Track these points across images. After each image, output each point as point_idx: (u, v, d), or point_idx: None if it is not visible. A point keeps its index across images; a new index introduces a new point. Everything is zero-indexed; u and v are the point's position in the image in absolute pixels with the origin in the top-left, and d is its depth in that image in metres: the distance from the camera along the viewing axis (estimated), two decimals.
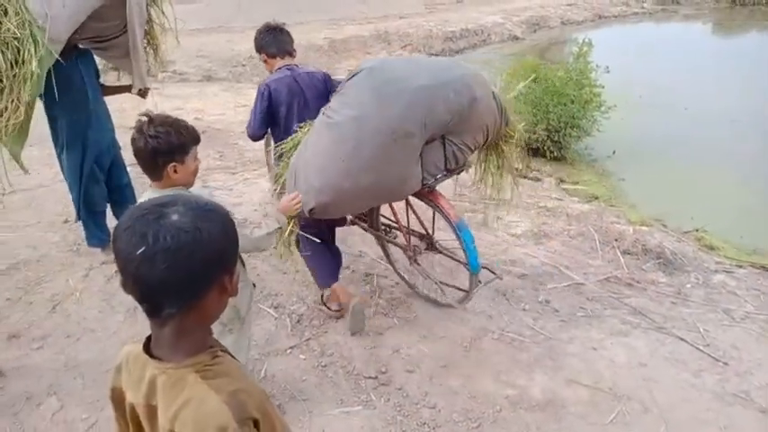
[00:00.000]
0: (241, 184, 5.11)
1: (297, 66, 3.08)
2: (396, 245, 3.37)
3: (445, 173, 2.82)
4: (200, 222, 0.93)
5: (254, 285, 2.38)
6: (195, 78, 10.83)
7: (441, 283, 3.24)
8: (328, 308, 3.12)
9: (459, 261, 3.11)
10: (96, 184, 3.52)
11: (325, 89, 3.02)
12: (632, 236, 4.28)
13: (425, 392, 2.60)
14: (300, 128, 2.82)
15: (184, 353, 0.98)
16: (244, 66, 12.57)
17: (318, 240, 2.76)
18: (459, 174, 2.98)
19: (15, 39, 2.59)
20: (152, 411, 0.99)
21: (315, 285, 3.37)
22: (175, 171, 1.87)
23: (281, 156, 2.87)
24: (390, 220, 3.42)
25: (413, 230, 3.27)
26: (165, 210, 0.93)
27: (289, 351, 2.86)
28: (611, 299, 3.47)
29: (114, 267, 3.26)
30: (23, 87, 2.65)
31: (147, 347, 1.01)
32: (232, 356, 1.08)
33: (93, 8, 2.98)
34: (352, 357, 2.81)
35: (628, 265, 3.87)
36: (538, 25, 21.67)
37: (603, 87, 7.16)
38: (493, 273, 3.14)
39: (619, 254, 3.98)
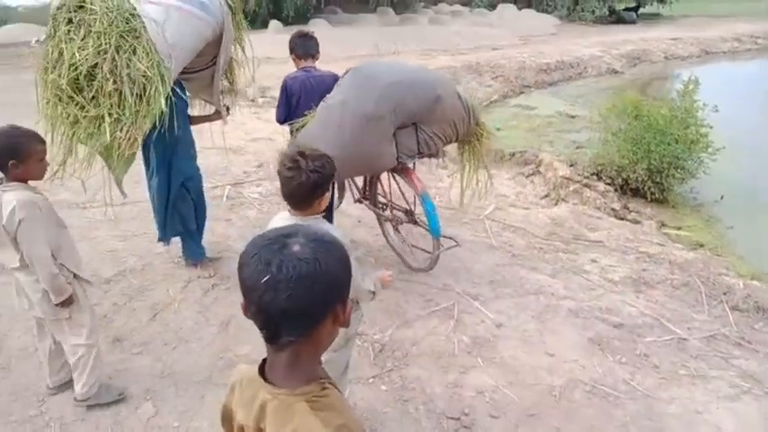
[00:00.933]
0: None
1: (314, 68, 3.78)
2: (386, 218, 4.22)
3: (418, 155, 3.56)
4: (320, 254, 0.97)
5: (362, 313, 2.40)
6: None
7: (412, 246, 4.04)
8: None
9: (426, 229, 3.79)
10: (185, 202, 3.73)
11: (332, 86, 3.58)
12: (743, 290, 3.91)
13: None
14: (309, 112, 3.53)
15: (297, 381, 1.00)
16: None
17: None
18: (430, 158, 3.87)
19: (144, 77, 2.85)
20: None
21: (396, 314, 3.39)
22: (322, 201, 1.96)
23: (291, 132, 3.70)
24: (384, 198, 4.25)
25: (399, 206, 4.11)
26: (287, 240, 0.98)
27: (371, 380, 2.85)
28: (718, 358, 3.17)
29: (211, 281, 3.44)
30: (144, 122, 2.89)
31: (262, 370, 1.04)
32: (339, 389, 1.08)
33: (201, 47, 3.23)
34: (434, 395, 2.75)
35: (737, 323, 3.53)
36: (638, 59, 20.83)
37: (711, 128, 6.71)
38: (453, 240, 3.86)
39: (727, 309, 3.65)
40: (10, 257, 2.39)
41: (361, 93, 3.26)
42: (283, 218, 1.99)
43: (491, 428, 2.55)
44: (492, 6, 29.99)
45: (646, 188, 6.84)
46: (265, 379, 1.03)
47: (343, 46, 17.99)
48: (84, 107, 2.83)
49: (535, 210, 5.43)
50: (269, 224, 1.95)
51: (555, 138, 10.55)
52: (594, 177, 7.09)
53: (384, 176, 4.14)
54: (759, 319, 3.64)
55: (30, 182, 2.39)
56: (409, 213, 4.04)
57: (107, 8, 2.91)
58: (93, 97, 2.83)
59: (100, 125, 2.85)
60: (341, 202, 4.78)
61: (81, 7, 2.91)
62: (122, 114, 2.84)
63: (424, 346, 3.14)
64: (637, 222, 5.96)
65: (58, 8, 2.93)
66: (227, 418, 1.12)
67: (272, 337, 0.99)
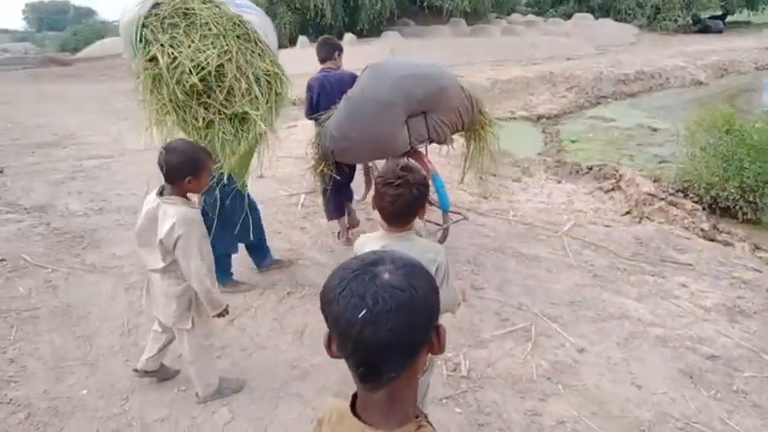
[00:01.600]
0: None
1: (333, 68, 4.33)
2: None
3: (428, 140, 4.02)
4: (413, 280, 0.91)
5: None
6: None
7: (426, 221, 4.10)
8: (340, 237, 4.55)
9: (435, 205, 4.15)
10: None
11: (351, 83, 4.07)
12: None
13: None
14: (333, 107, 4.06)
15: (396, 421, 0.94)
16: None
17: (338, 177, 4.20)
18: (440, 144, 4.22)
19: (267, 74, 3.11)
20: None
21: (470, 332, 3.30)
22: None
23: (317, 121, 4.25)
24: None
25: None
26: (376, 269, 0.92)
27: (444, 401, 2.77)
28: None
29: (286, 289, 3.47)
30: (276, 117, 3.18)
31: (353, 406, 0.99)
32: (432, 426, 1.03)
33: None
34: (511, 421, 2.63)
35: None
36: (726, 70, 19.60)
37: None
38: (460, 214, 4.39)
39: None
40: (154, 260, 2.48)
41: (376, 83, 3.80)
42: (378, 237, 1.91)
43: None
44: (567, 16, 29.24)
45: (737, 207, 6.37)
46: (358, 417, 0.97)
47: (417, 57, 18.09)
48: (209, 108, 3.00)
49: (617, 227, 5.16)
50: (360, 246, 1.91)
51: (635, 152, 10.08)
52: (680, 195, 6.68)
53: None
54: None
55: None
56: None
57: (215, 14, 3.10)
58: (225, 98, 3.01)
59: (240, 123, 3.04)
60: (369, 189, 5.07)
61: (185, 14, 3.06)
62: (260, 110, 3.04)
63: (499, 368, 3.02)
64: (728, 244, 5.53)
65: (151, 15, 3.05)
66: None
67: (370, 374, 0.93)
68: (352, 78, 4.16)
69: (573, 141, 11.03)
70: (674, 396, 2.82)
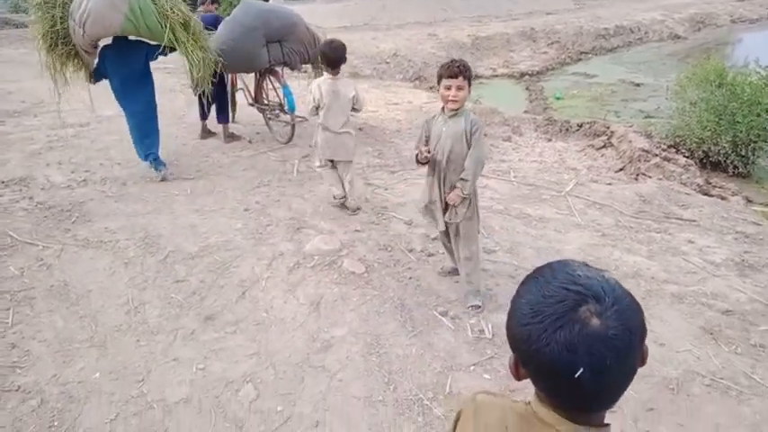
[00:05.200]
0: (401, 182, 5.09)
1: (211, 11, 6.21)
2: (269, 115, 6.23)
3: (283, 63, 5.67)
4: (627, 321, 0.81)
5: None
6: (343, 76, 11.15)
7: (275, 122, 6.18)
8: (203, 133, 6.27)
9: (285, 111, 5.74)
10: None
11: (214, 23, 5.67)
12: None
13: None
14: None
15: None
16: (387, 63, 12.73)
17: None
18: (292, 69, 5.99)
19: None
20: None
21: (488, 297, 3.27)
22: None
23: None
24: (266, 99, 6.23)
25: (274, 102, 6.11)
26: (582, 313, 0.80)
27: (472, 368, 2.73)
28: None
29: (294, 259, 3.35)
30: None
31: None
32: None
33: None
34: None
35: None
36: (702, 23, 19.60)
37: None
38: (305, 117, 5.34)
39: None
40: (337, 122, 4.09)
41: (244, 13, 5.38)
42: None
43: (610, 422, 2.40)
44: None
45: (728, 162, 6.45)
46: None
47: (393, 14, 17.56)
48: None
49: (618, 185, 5.15)
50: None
51: (620, 107, 10.08)
52: (673, 150, 6.70)
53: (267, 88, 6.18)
54: None
55: None
56: (280, 105, 5.93)
57: None
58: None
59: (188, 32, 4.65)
60: (232, 94, 6.37)
61: None
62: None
63: None
64: (723, 198, 5.59)
65: None
66: None
67: (577, 411, 0.86)
68: (217, 19, 5.79)
69: (558, 98, 10.97)
70: (698, 353, 2.83)
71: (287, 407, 2.50)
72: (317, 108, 4.07)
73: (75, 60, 4.85)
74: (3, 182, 5.17)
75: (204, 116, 6.18)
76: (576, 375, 0.78)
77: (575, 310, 0.79)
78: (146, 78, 4.93)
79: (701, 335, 2.98)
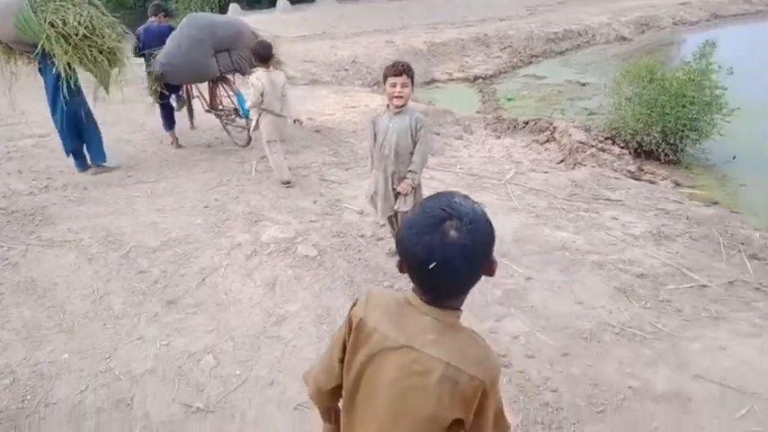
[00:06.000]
0: (355, 178, 5.39)
1: (155, 22, 6.19)
2: (225, 120, 6.49)
3: (233, 70, 5.96)
4: (475, 234, 1.09)
5: None
6: (302, 82, 11.41)
7: (232, 127, 6.49)
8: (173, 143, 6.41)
9: (241, 116, 6.06)
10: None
11: (167, 34, 5.89)
12: (760, 241, 4.07)
13: (547, 377, 2.68)
14: (158, 48, 5.86)
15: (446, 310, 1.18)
16: (347, 70, 13.06)
17: (168, 94, 6.10)
18: (243, 75, 6.00)
19: (110, 24, 5.15)
20: None
21: None
22: None
23: (146, 58, 6.04)
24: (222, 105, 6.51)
25: (229, 108, 6.37)
26: (444, 227, 1.09)
27: None
28: (738, 302, 3.33)
29: (251, 248, 3.62)
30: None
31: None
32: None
33: None
34: None
35: (755, 270, 3.69)
36: (647, 26, 20.58)
37: (726, 89, 6.77)
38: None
39: (745, 258, 3.80)
40: (280, 107, 4.88)
41: (190, 26, 5.61)
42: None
43: (528, 367, 2.75)
44: None
45: (660, 150, 6.96)
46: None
47: (351, 23, 17.95)
48: (92, 48, 4.92)
49: (555, 173, 5.57)
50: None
51: (566, 105, 10.61)
52: (609, 142, 7.19)
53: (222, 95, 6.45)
54: None
55: None
56: (236, 110, 6.21)
57: None
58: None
59: (111, 55, 5.08)
60: (188, 103, 6.73)
61: None
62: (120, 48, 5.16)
63: None
64: (653, 183, 6.08)
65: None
66: (354, 325, 1.25)
67: (432, 297, 1.16)
68: (170, 29, 5.91)
69: (509, 99, 11.46)
70: (611, 309, 3.22)
71: (244, 371, 2.77)
72: (262, 95, 4.75)
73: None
74: None
75: (170, 126, 6.39)
76: (430, 267, 1.08)
77: (440, 224, 1.09)
78: (55, 92, 5.18)
79: (615, 294, 3.37)
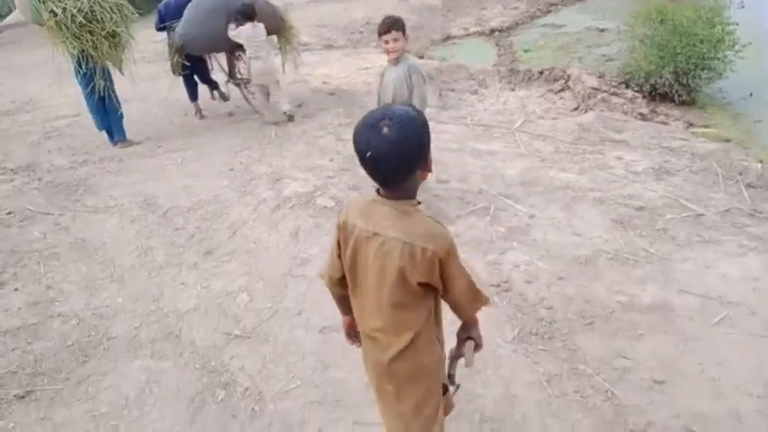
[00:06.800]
0: None
1: None
2: (243, 88, 6.77)
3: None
4: (405, 132, 1.37)
5: None
6: (317, 47, 11.58)
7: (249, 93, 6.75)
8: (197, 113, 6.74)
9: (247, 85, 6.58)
10: None
11: (186, 5, 6.01)
12: (758, 170, 4.21)
13: (543, 297, 2.97)
14: (177, 20, 6.03)
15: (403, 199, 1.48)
16: (361, 32, 13.12)
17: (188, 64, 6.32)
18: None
19: (117, 6, 5.42)
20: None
21: (438, 215, 3.86)
22: None
23: (168, 30, 6.28)
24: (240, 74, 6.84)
25: (245, 76, 6.58)
26: (380, 124, 1.37)
27: None
28: (731, 227, 3.54)
29: (275, 203, 3.96)
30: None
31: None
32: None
33: None
34: (477, 270, 3.24)
35: (751, 198, 3.86)
36: None
37: (737, 25, 6.72)
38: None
39: (742, 187, 3.97)
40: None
41: None
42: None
43: (526, 290, 3.05)
44: None
45: (673, 91, 6.98)
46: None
47: None
48: (93, 33, 5.20)
49: (563, 119, 5.73)
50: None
51: (584, 53, 10.53)
52: (623, 86, 7.25)
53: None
54: None
55: None
56: (246, 79, 6.48)
57: None
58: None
59: (112, 38, 5.34)
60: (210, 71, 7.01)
61: None
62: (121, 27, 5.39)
63: (465, 237, 3.62)
64: (664, 124, 6.17)
65: None
66: (340, 227, 1.57)
67: (380, 183, 1.46)
68: (188, 2, 6.00)
69: (526, 51, 11.40)
70: (607, 238, 3.47)
71: (275, 304, 3.15)
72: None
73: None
74: (12, 169, 5.74)
75: (194, 98, 6.72)
76: (367, 156, 1.37)
77: (377, 123, 1.38)
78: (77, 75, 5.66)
79: (612, 225, 3.61)
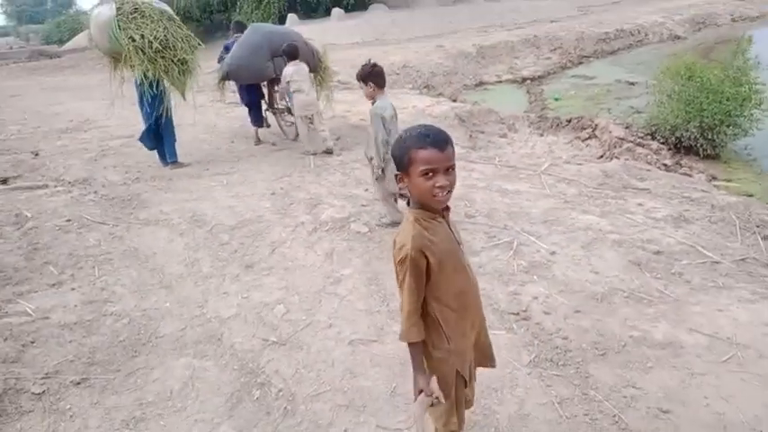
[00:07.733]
0: None
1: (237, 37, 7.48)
2: (281, 117, 7.66)
3: None
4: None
5: None
6: (357, 86, 12.11)
7: (284, 123, 7.69)
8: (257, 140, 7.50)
9: (290, 113, 7.07)
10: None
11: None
12: None
13: (559, 328, 3.17)
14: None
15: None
16: (398, 74, 13.70)
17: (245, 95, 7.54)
18: None
19: (186, 36, 6.16)
20: None
21: (468, 245, 4.11)
22: None
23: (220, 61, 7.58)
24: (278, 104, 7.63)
25: (283, 106, 7.41)
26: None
27: None
28: (746, 276, 3.68)
29: (312, 226, 4.28)
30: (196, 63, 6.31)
31: None
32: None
33: None
34: (498, 299, 3.47)
35: None
36: (703, 23, 20.22)
37: (765, 84, 6.94)
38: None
39: (759, 239, 4.12)
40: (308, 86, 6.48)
41: (253, 34, 6.94)
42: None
43: (544, 320, 3.25)
44: None
45: (698, 145, 7.19)
46: None
47: (403, 28, 18.62)
48: (165, 58, 5.83)
49: (588, 165, 5.97)
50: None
51: (613, 105, 10.82)
52: (649, 138, 7.49)
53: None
54: None
55: None
56: (287, 109, 7.19)
57: (150, 8, 5.90)
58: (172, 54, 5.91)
59: (182, 65, 5.96)
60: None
61: (135, 10, 5.85)
62: (190, 54, 6.07)
63: (488, 268, 3.85)
64: (688, 175, 6.35)
65: (119, 13, 5.76)
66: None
67: None
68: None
69: (556, 99, 11.75)
70: (624, 277, 3.66)
71: (308, 317, 3.41)
72: (288, 82, 6.35)
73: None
74: (70, 182, 6.23)
75: (258, 124, 7.50)
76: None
77: (422, 134, 1.71)
78: (141, 98, 6.22)
79: (629, 266, 3.80)
